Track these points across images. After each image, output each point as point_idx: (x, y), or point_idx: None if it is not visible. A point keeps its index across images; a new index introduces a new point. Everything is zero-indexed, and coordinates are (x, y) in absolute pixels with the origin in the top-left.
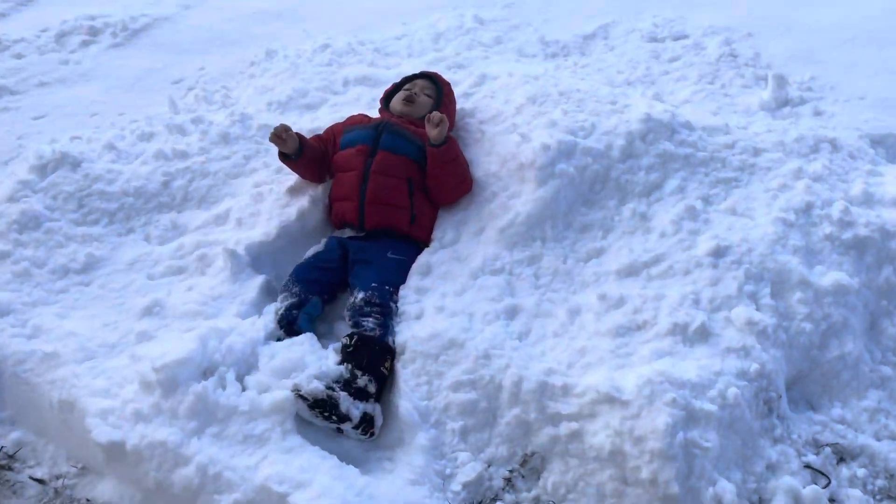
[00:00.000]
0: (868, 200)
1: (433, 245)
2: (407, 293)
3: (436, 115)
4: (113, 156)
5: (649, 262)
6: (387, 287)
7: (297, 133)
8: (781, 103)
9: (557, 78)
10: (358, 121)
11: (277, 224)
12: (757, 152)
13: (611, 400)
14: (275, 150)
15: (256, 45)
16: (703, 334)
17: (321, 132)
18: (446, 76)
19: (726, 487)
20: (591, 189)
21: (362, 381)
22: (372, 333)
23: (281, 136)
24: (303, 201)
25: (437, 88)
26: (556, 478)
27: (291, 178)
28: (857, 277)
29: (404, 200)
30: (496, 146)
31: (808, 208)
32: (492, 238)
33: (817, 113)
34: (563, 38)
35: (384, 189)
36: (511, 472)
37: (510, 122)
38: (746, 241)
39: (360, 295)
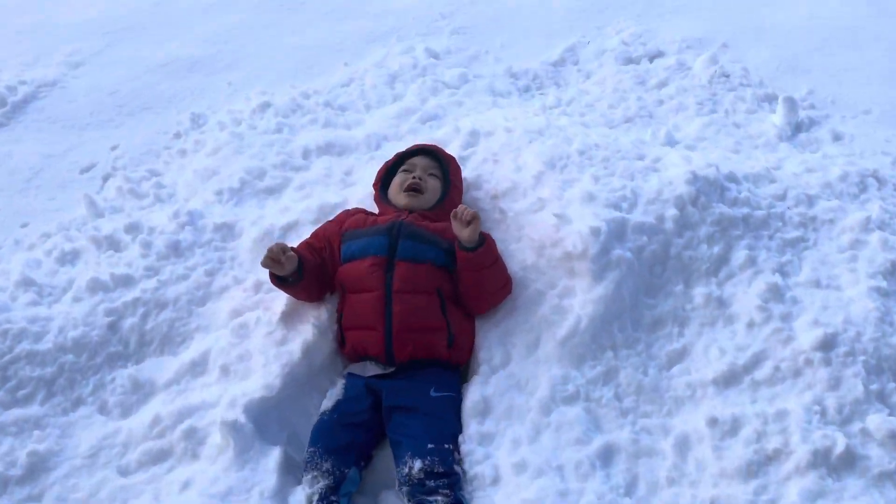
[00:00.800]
0: None
1: (481, 370)
2: (471, 447)
3: (467, 211)
4: (32, 295)
5: (749, 366)
6: (446, 445)
7: (292, 248)
8: (794, 128)
9: (562, 129)
10: (359, 222)
11: (279, 370)
12: (811, 201)
13: None
14: (245, 256)
15: (175, 108)
16: (849, 460)
17: (305, 235)
18: (423, 133)
19: None
20: (652, 273)
21: None
22: None
23: (279, 259)
24: (305, 332)
25: (441, 165)
26: None
27: (279, 296)
28: None
29: (439, 320)
30: (526, 229)
31: (894, 269)
32: (552, 353)
33: (836, 137)
34: (532, 67)
35: (414, 311)
36: None
37: (533, 195)
38: (851, 324)
39: (417, 464)
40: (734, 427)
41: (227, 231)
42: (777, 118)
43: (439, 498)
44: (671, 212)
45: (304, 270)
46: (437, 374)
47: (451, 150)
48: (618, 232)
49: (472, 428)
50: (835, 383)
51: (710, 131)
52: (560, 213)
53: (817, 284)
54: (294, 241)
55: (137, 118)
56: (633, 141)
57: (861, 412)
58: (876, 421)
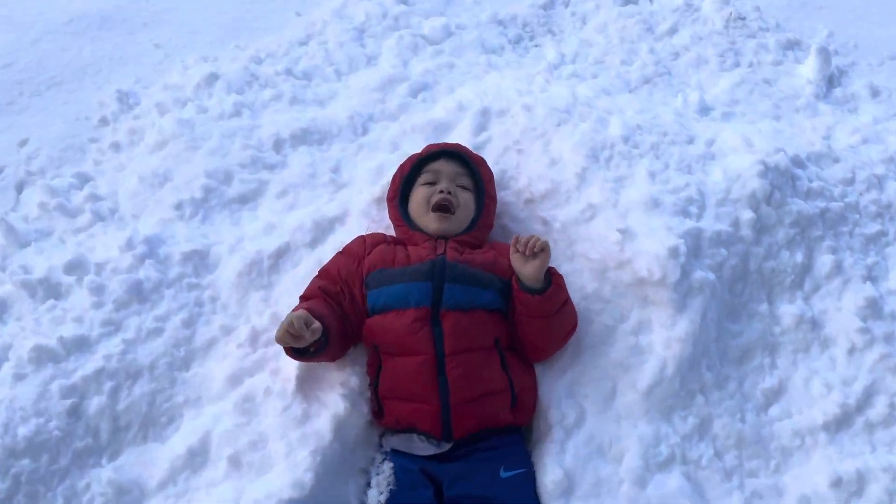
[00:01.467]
0: None
1: (555, 435)
2: None
3: (535, 240)
4: None
5: (862, 404)
6: None
7: (305, 306)
8: (828, 82)
9: (591, 105)
10: (385, 259)
11: (308, 459)
12: (881, 184)
13: None
14: (229, 296)
15: (93, 83)
16: None
17: (303, 264)
18: (416, 110)
19: None
20: (733, 293)
21: None
22: None
23: (302, 335)
24: (332, 404)
25: (471, 170)
26: None
27: (278, 352)
28: None
29: (501, 380)
30: (578, 245)
31: None
32: (635, 406)
33: (874, 93)
34: (519, 13)
35: (474, 375)
36: None
37: (581, 200)
38: None
39: None
40: (860, 485)
41: (200, 261)
42: (808, 71)
43: None
44: (747, 215)
45: (329, 335)
46: (503, 445)
47: (460, 137)
48: (694, 247)
49: None
50: None
51: (741, 92)
52: (624, 227)
53: None
54: (289, 272)
55: (46, 99)
56: (674, 115)
57: None
58: None
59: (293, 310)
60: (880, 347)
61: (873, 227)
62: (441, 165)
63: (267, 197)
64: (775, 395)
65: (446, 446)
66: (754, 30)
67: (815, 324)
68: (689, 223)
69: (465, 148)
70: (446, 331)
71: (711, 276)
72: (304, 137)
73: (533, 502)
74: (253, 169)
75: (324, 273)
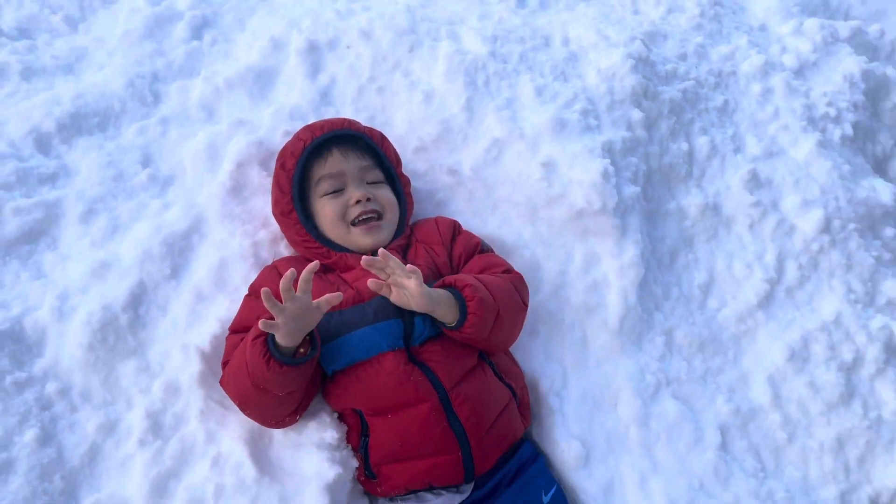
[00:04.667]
0: None
1: (551, 405)
2: None
3: (393, 271)
4: None
5: (779, 273)
6: None
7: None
8: None
9: (431, 20)
10: (344, 292)
11: None
12: (705, 51)
13: None
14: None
15: None
16: None
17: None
18: (208, 53)
19: None
20: (647, 198)
21: None
22: None
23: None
24: (316, 470)
25: (373, 151)
26: None
27: (211, 431)
28: None
29: (503, 392)
30: (496, 190)
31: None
32: (611, 346)
33: None
34: None
35: (482, 401)
36: None
37: (482, 137)
38: (827, 194)
39: None
40: (806, 350)
41: (14, 345)
42: None
43: None
44: (636, 115)
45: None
46: (525, 464)
47: (294, 84)
48: (613, 163)
49: (587, 488)
50: (848, 261)
51: None
52: (545, 159)
53: (770, 154)
54: (160, 320)
55: None
56: (511, 14)
57: (878, 280)
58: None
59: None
60: (772, 214)
61: (719, 98)
62: (338, 162)
63: (66, 224)
64: (708, 287)
65: (468, 489)
66: None
67: (716, 208)
68: (599, 138)
69: (355, 124)
70: (434, 366)
71: (637, 188)
72: (76, 125)
73: None
74: (24, 188)
75: (239, 329)
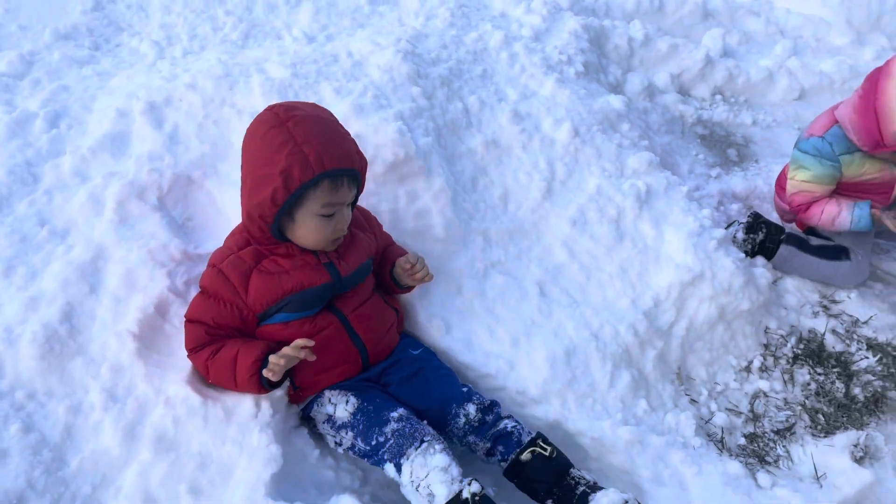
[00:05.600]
0: None
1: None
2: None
3: (426, 274)
4: None
5: (552, 171)
6: (464, 387)
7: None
8: None
9: (243, 68)
10: (274, 290)
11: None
12: (460, 37)
13: None
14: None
15: None
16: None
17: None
18: (63, 137)
19: None
20: (443, 146)
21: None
22: (529, 435)
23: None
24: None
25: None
26: None
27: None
28: None
29: (391, 314)
30: None
31: (551, 63)
32: (444, 251)
33: None
34: (79, 22)
35: (376, 322)
36: None
37: None
38: (573, 113)
39: (471, 408)
40: (583, 217)
41: None
42: None
43: (507, 422)
44: (416, 90)
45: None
46: (400, 343)
47: (146, 141)
48: (409, 126)
49: (453, 346)
50: (598, 152)
51: (323, 18)
52: (355, 134)
53: (525, 97)
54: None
55: None
56: (302, 46)
57: (623, 158)
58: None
59: (213, 363)
60: (536, 135)
61: (478, 69)
62: (345, 195)
63: None
64: (505, 196)
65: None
66: None
67: (495, 142)
68: (391, 111)
69: (362, 163)
70: (341, 304)
71: (429, 138)
72: None
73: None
74: None
75: (194, 319)
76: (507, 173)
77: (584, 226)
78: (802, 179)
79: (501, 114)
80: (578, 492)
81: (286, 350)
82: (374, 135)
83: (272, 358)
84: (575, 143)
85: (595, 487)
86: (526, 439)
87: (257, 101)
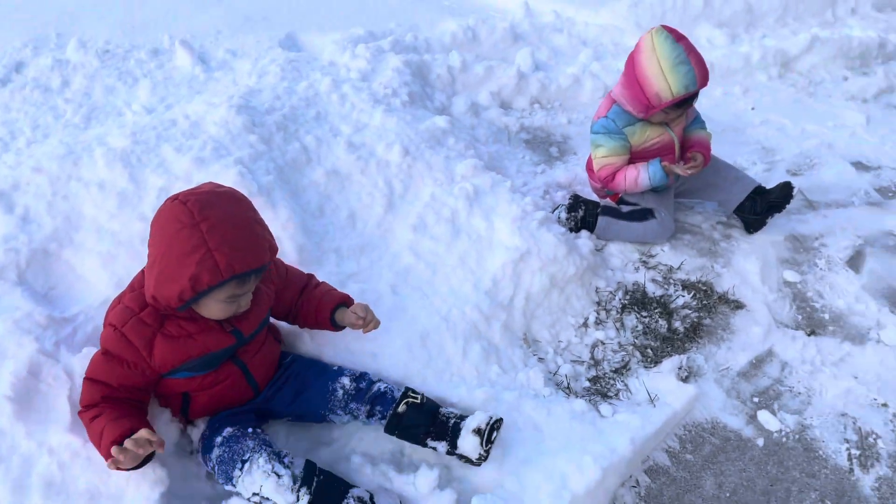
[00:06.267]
0: None
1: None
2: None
3: (376, 324)
4: None
5: (400, 194)
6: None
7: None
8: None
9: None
10: (179, 354)
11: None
12: (290, 86)
13: None
14: None
15: None
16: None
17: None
18: None
19: None
20: (284, 180)
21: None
22: (400, 391)
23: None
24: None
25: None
26: None
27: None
28: None
29: (276, 346)
30: None
31: (378, 97)
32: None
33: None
34: None
35: (267, 360)
36: None
37: (176, 183)
38: (398, 135)
39: (345, 380)
40: (423, 221)
41: None
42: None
43: (379, 384)
44: (252, 138)
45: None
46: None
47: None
48: (249, 167)
49: (325, 356)
50: (428, 165)
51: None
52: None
53: (358, 129)
54: None
55: None
56: (147, 116)
57: (451, 167)
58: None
59: (97, 427)
60: (371, 160)
61: (312, 112)
62: (249, 286)
63: None
64: (352, 216)
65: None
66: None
67: (335, 172)
68: (231, 158)
69: (273, 253)
70: (246, 359)
71: (270, 177)
72: None
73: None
74: None
75: (97, 377)
76: (350, 197)
77: (425, 229)
78: (602, 155)
79: (338, 146)
80: (451, 423)
81: (129, 445)
82: (217, 181)
83: (114, 451)
84: (406, 160)
85: (463, 417)
86: (398, 395)
87: (102, 172)
